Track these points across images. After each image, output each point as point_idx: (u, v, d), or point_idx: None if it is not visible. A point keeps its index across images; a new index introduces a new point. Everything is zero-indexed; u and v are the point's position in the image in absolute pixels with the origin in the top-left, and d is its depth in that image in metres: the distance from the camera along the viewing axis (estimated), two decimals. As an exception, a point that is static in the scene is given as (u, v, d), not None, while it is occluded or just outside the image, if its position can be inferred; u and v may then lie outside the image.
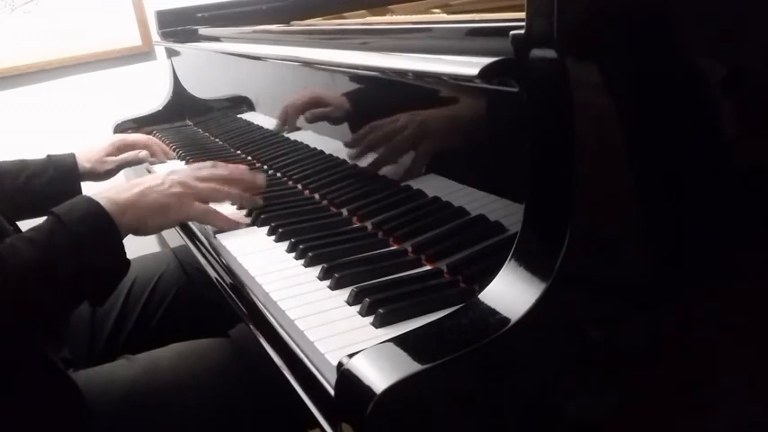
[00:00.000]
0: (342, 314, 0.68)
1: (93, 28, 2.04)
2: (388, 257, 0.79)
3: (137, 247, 0.89)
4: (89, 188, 1.16)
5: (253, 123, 1.37)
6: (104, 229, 0.83)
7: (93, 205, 0.84)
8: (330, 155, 1.04)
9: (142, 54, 2.11)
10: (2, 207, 1.02)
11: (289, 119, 1.14)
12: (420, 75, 0.74)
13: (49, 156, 1.32)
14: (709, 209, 0.57)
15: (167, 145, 1.52)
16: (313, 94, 1.05)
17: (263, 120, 1.31)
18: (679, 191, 0.56)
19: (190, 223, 1.02)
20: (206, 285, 1.11)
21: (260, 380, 0.90)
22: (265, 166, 1.23)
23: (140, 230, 0.90)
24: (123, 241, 0.86)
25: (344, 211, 0.94)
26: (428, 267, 0.75)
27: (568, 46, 0.51)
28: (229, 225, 0.96)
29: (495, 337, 0.51)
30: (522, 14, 0.53)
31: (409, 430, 0.51)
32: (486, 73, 0.57)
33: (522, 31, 0.53)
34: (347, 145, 0.97)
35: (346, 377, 0.52)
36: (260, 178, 1.02)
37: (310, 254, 0.81)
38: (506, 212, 0.67)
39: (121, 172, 1.46)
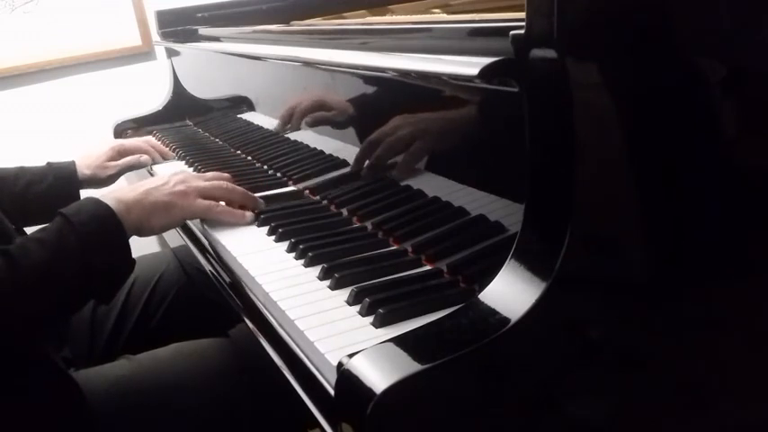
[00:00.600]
0: (342, 314, 0.68)
1: (93, 28, 2.04)
2: (388, 257, 0.79)
3: (137, 246, 0.89)
4: (88, 195, 1.15)
5: (253, 123, 1.37)
6: (112, 229, 0.84)
7: (100, 206, 0.85)
8: (330, 155, 1.04)
9: (142, 54, 2.11)
10: (3, 210, 1.02)
11: (293, 122, 1.14)
12: (420, 75, 0.74)
13: (49, 163, 1.31)
14: (709, 209, 0.57)
15: (167, 145, 1.52)
16: (317, 98, 1.05)
17: (263, 120, 1.31)
18: (679, 191, 0.56)
19: (190, 223, 1.02)
20: (206, 285, 1.11)
21: (260, 380, 0.90)
22: (265, 166, 1.23)
23: (145, 229, 0.90)
24: (126, 241, 0.86)
25: (344, 211, 0.94)
26: (428, 267, 0.75)
27: (568, 46, 0.51)
28: (236, 218, 0.95)
29: (495, 338, 0.51)
30: (522, 14, 0.53)
31: (409, 430, 0.51)
32: (486, 73, 0.57)
33: (522, 31, 0.53)
34: (347, 145, 0.97)
35: (346, 377, 0.52)
36: (260, 203, 1.01)
37: (310, 254, 0.81)
38: (506, 212, 0.67)
39: (122, 177, 1.45)
